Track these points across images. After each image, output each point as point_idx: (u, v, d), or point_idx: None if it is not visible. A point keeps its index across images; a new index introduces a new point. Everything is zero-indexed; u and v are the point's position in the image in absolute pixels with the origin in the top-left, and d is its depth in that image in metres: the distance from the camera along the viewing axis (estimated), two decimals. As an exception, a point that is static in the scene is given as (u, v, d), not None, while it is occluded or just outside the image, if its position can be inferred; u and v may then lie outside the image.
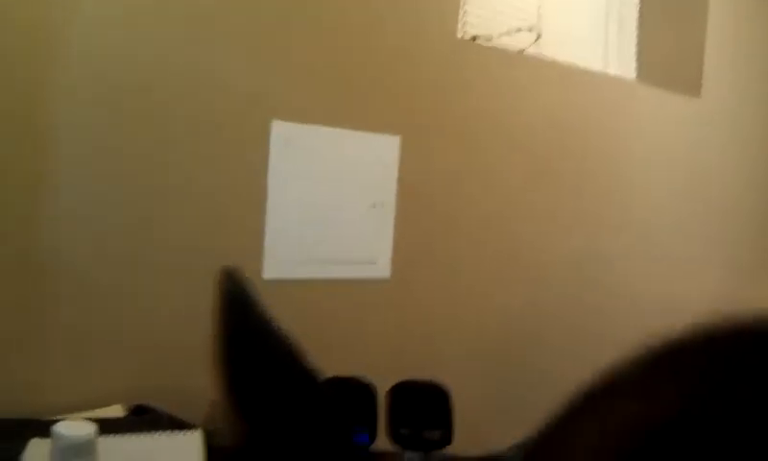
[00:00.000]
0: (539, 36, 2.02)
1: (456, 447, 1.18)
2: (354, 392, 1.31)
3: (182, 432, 1.07)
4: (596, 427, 0.26)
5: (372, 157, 1.56)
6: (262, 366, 0.39)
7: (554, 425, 0.27)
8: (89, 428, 0.65)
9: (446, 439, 1.17)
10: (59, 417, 1.06)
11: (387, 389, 1.21)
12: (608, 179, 2.06)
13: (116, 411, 1.25)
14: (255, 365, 0.39)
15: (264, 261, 1.43)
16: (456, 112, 1.71)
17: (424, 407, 1.49)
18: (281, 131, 1.43)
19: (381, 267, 1.59)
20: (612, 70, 2.31)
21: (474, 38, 1.85)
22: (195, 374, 1.47)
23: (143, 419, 1.21)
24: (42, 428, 1.02)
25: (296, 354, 0.41)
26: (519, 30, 1.97)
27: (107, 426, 0.93)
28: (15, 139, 1.20)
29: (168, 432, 1.08)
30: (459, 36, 1.76)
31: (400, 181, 1.61)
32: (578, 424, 0.27)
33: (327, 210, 1.50)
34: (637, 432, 0.25)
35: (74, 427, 0.65)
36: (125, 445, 1.00)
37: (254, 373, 0.39)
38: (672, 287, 2.18)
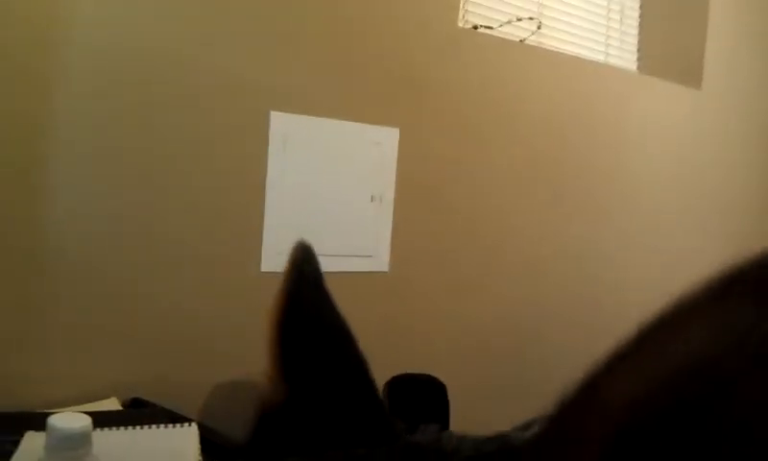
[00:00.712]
0: (539, 26, 2.01)
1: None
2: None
3: (178, 425, 1.06)
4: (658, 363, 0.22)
5: (371, 150, 1.55)
6: (318, 336, 0.41)
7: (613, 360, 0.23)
8: (84, 420, 0.64)
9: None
10: (55, 410, 1.05)
11: (383, 383, 1.21)
12: (608, 170, 2.05)
13: (112, 404, 1.24)
14: (311, 333, 0.41)
15: (263, 253, 1.41)
16: (456, 103, 1.69)
17: (421, 401, 1.49)
18: (280, 122, 1.42)
19: (379, 260, 1.58)
20: (613, 61, 2.29)
21: (475, 27, 1.83)
22: (190, 368, 1.46)
23: (139, 412, 1.20)
24: (38, 421, 1.01)
25: (350, 337, 0.42)
26: (521, 19, 1.95)
27: (102, 419, 0.93)
28: (15, 136, 1.18)
29: (164, 425, 1.07)
30: (460, 25, 1.74)
31: (399, 173, 1.60)
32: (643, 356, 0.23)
33: (326, 203, 1.49)
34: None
35: (69, 419, 0.64)
36: (120, 437, 0.99)
37: (309, 341, 0.41)
38: (671, 278, 2.17)
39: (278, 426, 0.37)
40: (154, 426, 1.06)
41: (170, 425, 1.06)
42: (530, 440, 0.25)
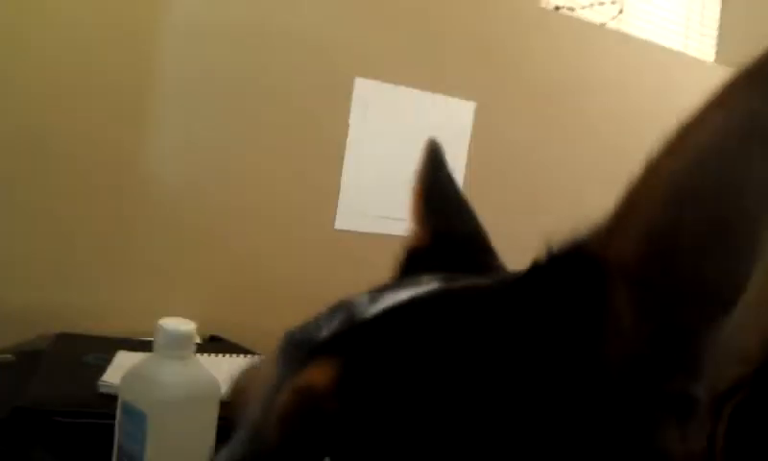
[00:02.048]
0: (621, 11, 2.01)
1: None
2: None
3: (250, 356, 1.15)
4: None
5: (447, 121, 1.59)
6: (451, 195, 0.52)
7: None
8: (190, 325, 0.72)
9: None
10: (143, 338, 1.14)
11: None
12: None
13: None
14: (447, 192, 0.52)
15: (337, 212, 1.48)
16: (533, 83, 1.72)
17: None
18: (363, 88, 1.47)
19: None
20: (692, 50, 2.27)
21: (557, 9, 1.85)
22: (263, 314, 1.54)
23: (217, 344, 1.29)
24: (128, 344, 1.11)
25: (467, 201, 0.53)
26: (602, 3, 1.96)
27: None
28: (123, 80, 1.27)
29: (237, 356, 1.17)
30: (542, 5, 1.76)
31: (472, 146, 1.64)
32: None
33: (400, 168, 1.54)
34: None
35: (177, 323, 0.72)
36: (203, 360, 1.09)
37: (445, 198, 0.51)
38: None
39: (423, 265, 0.44)
40: (228, 356, 1.15)
41: (242, 355, 1.16)
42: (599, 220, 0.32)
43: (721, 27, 2.35)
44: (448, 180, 0.53)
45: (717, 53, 2.35)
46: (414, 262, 0.48)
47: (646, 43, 1.96)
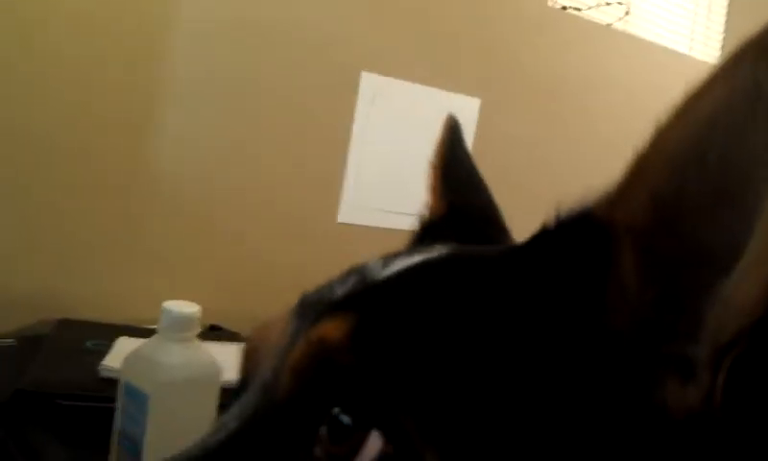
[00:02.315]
0: (627, 12, 2.01)
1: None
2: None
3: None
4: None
5: (451, 117, 1.59)
6: (467, 170, 0.54)
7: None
8: (194, 307, 0.72)
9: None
10: (145, 326, 1.14)
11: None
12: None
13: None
14: (463, 168, 0.53)
15: (340, 206, 1.48)
16: (538, 81, 1.72)
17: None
18: (369, 82, 1.48)
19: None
20: (697, 54, 2.27)
21: (564, 8, 1.85)
22: (263, 305, 1.54)
23: (217, 334, 1.29)
24: (129, 331, 1.11)
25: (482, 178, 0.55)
26: (609, 3, 1.96)
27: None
28: (131, 82, 1.28)
29: (238, 345, 1.17)
30: (549, 4, 1.76)
31: (476, 143, 1.64)
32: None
33: (403, 163, 1.54)
34: None
35: (181, 305, 0.72)
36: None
37: (462, 172, 0.53)
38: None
39: (437, 236, 0.45)
40: (228, 344, 1.15)
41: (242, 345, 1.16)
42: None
43: (726, 30, 2.35)
44: (466, 157, 0.55)
45: (722, 56, 2.35)
46: (428, 234, 0.50)
47: (651, 45, 1.96)
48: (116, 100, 1.29)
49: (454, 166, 0.53)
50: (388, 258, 0.38)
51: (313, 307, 0.36)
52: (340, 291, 0.36)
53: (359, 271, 0.37)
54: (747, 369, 0.29)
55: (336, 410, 0.31)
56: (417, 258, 0.37)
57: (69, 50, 1.25)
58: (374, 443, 0.30)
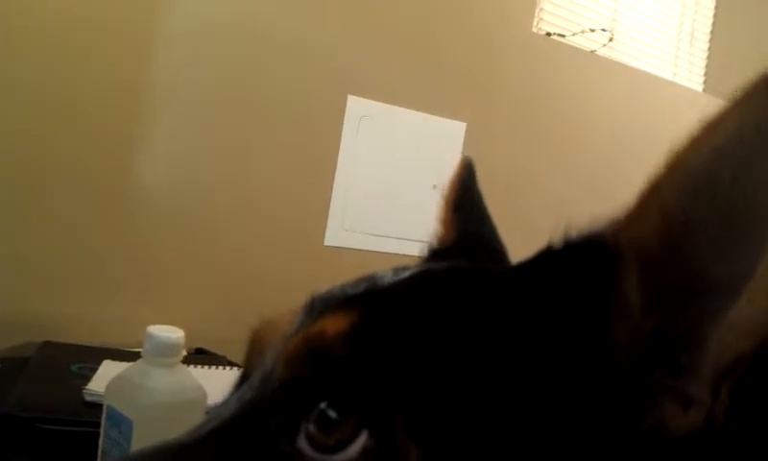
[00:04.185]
0: (611, 39, 2.04)
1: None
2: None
3: (235, 369, 1.15)
4: None
5: (438, 141, 1.61)
6: (476, 206, 0.56)
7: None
8: (179, 332, 0.72)
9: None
10: (132, 349, 1.14)
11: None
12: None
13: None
14: (473, 203, 0.56)
15: (327, 229, 1.49)
16: (523, 106, 1.74)
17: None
18: (356, 106, 1.49)
19: (437, 247, 1.64)
20: (680, 80, 2.30)
21: (549, 35, 1.87)
22: (249, 326, 1.54)
23: (203, 357, 1.29)
24: (113, 354, 1.11)
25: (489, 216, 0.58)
26: (593, 30, 1.98)
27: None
28: (119, 97, 1.28)
29: (223, 369, 1.17)
30: (534, 30, 1.79)
31: (462, 166, 1.65)
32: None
33: (390, 186, 1.55)
34: None
35: (166, 330, 0.72)
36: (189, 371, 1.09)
37: (472, 207, 0.56)
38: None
39: (446, 260, 0.49)
40: (216, 368, 1.15)
41: (228, 368, 1.16)
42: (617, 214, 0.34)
43: (709, 57, 2.39)
44: (478, 196, 0.58)
45: (705, 82, 2.38)
46: (435, 259, 0.52)
47: (635, 71, 1.99)
48: (104, 129, 1.29)
49: (466, 202, 0.56)
50: (398, 269, 0.39)
51: (320, 305, 0.37)
52: (349, 292, 0.37)
53: (370, 278, 0.39)
54: (750, 389, 0.29)
55: (324, 402, 0.32)
56: (425, 269, 0.39)
57: (53, 61, 1.26)
58: (359, 436, 0.31)
